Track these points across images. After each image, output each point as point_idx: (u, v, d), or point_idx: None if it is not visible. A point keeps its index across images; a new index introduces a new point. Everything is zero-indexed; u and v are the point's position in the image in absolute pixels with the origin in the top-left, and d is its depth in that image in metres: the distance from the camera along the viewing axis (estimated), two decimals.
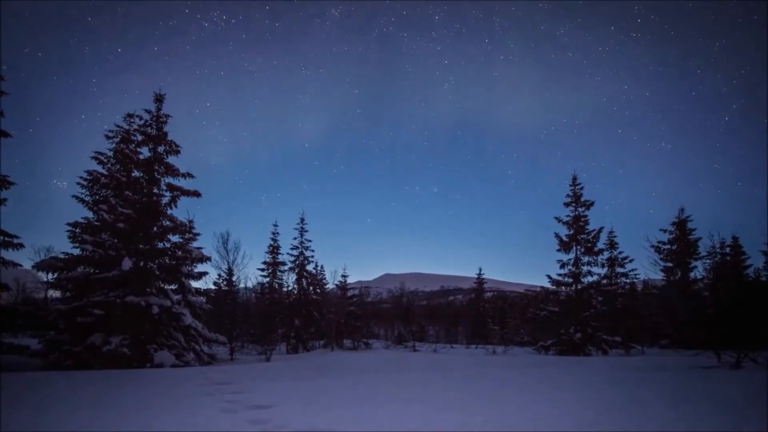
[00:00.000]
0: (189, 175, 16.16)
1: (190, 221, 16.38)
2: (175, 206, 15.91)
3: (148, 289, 14.25)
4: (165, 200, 15.85)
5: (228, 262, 22.10)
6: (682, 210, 25.68)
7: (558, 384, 7.34)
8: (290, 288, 27.95)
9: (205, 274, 17.25)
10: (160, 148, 16.00)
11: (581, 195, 23.66)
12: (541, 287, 25.12)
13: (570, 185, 23.89)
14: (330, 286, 32.18)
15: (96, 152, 15.41)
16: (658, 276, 25.08)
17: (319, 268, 31.56)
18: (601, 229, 23.57)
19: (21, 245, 12.58)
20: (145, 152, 15.94)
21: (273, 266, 28.19)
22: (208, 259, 16.40)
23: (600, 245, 23.79)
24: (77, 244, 14.02)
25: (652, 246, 24.09)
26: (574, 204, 23.70)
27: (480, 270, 40.31)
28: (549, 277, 23.84)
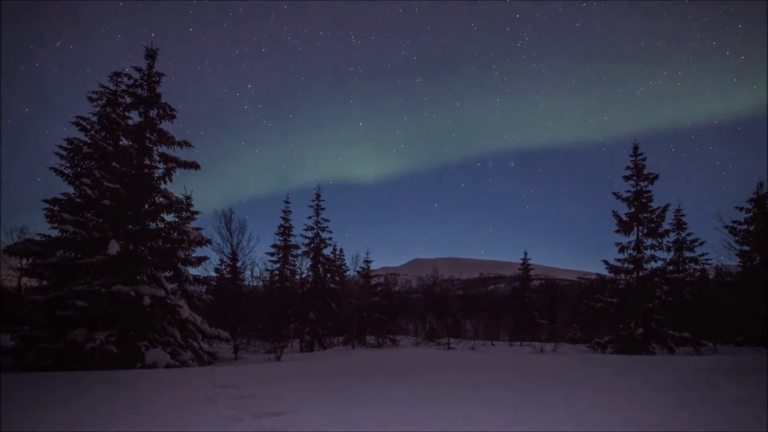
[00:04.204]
0: (186, 143, 15.87)
1: (188, 197, 15.94)
2: (170, 180, 15.59)
3: (139, 277, 14.07)
4: (158, 173, 15.49)
5: (232, 246, 21.93)
6: (761, 185, 24.75)
7: (613, 387, 7.48)
8: (304, 275, 27.55)
9: (205, 259, 17.06)
10: (153, 112, 15.70)
11: (643, 167, 22.89)
12: (597, 274, 24.82)
13: (630, 155, 23.09)
14: (350, 273, 31.82)
15: (77, 117, 14.91)
16: (733, 261, 24.63)
17: (337, 253, 31.05)
18: (666, 207, 22.97)
19: None
20: (135, 117, 15.62)
21: (284, 250, 27.61)
22: (209, 241, 16.10)
23: (665, 225, 23.40)
24: (56, 225, 13.64)
25: (726, 227, 23.57)
26: (635, 177, 22.98)
27: (525, 255, 40.11)
28: (606, 262, 23.32)
